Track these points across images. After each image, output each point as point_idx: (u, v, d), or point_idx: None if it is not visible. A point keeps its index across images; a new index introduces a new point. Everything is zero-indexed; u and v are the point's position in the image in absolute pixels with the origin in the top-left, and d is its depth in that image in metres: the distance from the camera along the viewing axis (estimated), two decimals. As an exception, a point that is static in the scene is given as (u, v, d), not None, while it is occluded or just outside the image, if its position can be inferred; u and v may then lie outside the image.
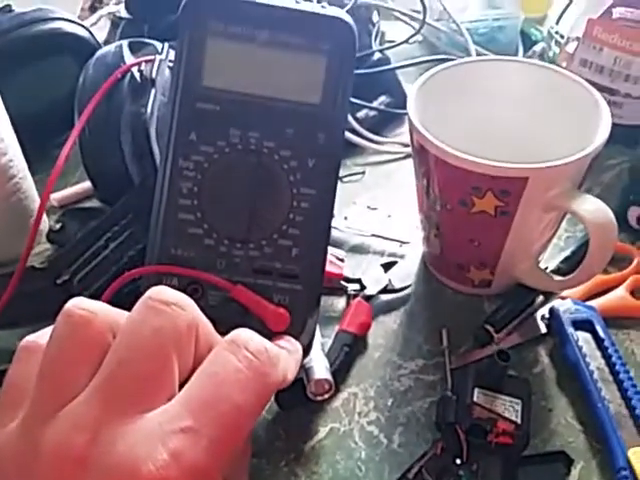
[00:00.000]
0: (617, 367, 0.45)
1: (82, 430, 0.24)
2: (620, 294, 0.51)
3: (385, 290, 0.53)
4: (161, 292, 0.27)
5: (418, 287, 0.54)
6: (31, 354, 0.27)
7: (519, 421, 0.40)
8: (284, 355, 0.30)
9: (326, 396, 0.43)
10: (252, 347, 0.27)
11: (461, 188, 0.45)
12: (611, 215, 0.42)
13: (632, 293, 0.52)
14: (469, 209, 0.46)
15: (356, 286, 0.53)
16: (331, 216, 0.36)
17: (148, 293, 0.27)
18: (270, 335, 0.31)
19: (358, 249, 0.57)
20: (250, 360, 0.26)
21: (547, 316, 0.50)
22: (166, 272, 0.33)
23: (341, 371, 0.47)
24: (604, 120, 0.46)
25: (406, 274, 0.55)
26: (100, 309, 0.27)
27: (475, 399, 0.41)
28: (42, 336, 0.28)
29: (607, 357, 0.46)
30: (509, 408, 0.41)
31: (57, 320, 0.27)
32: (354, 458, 0.42)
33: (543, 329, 0.49)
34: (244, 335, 0.27)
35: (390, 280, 0.53)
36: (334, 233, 0.58)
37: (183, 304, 0.27)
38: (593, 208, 0.43)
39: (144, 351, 0.25)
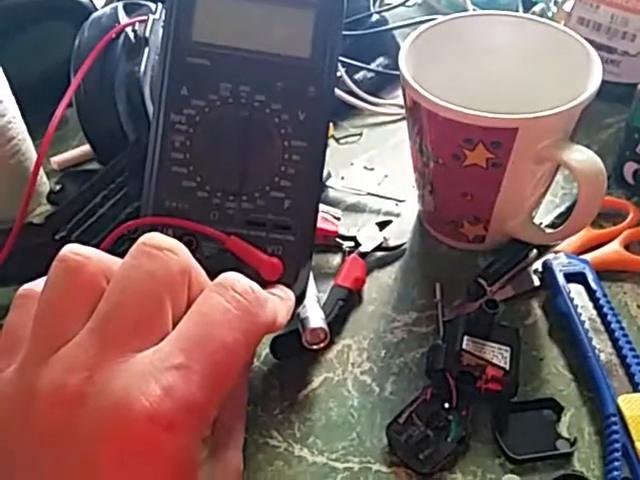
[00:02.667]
0: (609, 317, 0.45)
1: (77, 370, 0.24)
2: (614, 248, 0.51)
3: (380, 248, 0.53)
4: (154, 238, 0.27)
5: (413, 244, 0.54)
6: (27, 301, 0.28)
7: (508, 367, 0.41)
8: (274, 299, 0.31)
9: (321, 345, 0.44)
10: (239, 288, 0.27)
11: (452, 141, 0.45)
12: (601, 164, 0.42)
13: (626, 247, 0.52)
14: (461, 162, 0.46)
15: (351, 243, 0.53)
16: (322, 168, 0.36)
17: (141, 239, 0.27)
18: (264, 284, 0.31)
19: (354, 208, 0.58)
20: (237, 300, 0.27)
21: (540, 270, 0.50)
22: (161, 223, 0.34)
23: (336, 324, 0.47)
24: (595, 71, 0.46)
25: (401, 232, 0.55)
26: (94, 254, 0.27)
27: (464, 346, 0.41)
28: (38, 284, 0.28)
29: (599, 308, 0.46)
30: (498, 355, 0.41)
31: (52, 265, 0.27)
32: (347, 406, 0.43)
33: (536, 282, 0.50)
34: (231, 277, 0.28)
35: (385, 238, 0.54)
36: (330, 193, 0.59)
37: (176, 249, 0.27)
38: (583, 157, 0.43)
39: (138, 294, 0.26)
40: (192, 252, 0.28)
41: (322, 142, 0.36)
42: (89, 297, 0.26)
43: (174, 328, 0.26)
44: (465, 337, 0.42)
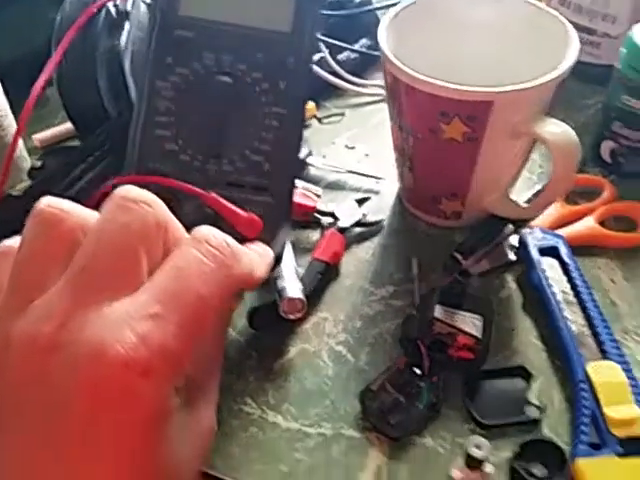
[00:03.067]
0: (580, 289, 0.46)
1: (51, 319, 0.25)
2: (588, 224, 0.52)
3: (358, 223, 0.54)
4: (130, 191, 0.28)
5: (392, 221, 0.55)
6: (5, 257, 0.28)
7: (479, 336, 0.41)
8: (251, 253, 0.31)
9: (298, 316, 0.44)
10: (214, 241, 0.28)
11: (430, 115, 0.46)
12: (575, 137, 0.43)
13: (601, 223, 0.53)
14: (438, 137, 0.46)
15: (330, 219, 0.54)
16: (301, 135, 0.38)
17: (117, 192, 0.27)
18: (242, 242, 0.32)
19: (334, 185, 0.58)
20: (212, 253, 0.28)
21: (515, 244, 0.51)
22: (142, 182, 0.35)
23: (313, 297, 0.48)
24: (572, 47, 0.46)
25: (380, 208, 0.56)
26: (71, 208, 0.28)
27: (436, 315, 0.42)
28: (16, 241, 0.29)
29: (571, 281, 0.47)
30: (470, 323, 0.42)
31: (28, 218, 0.28)
32: (321, 375, 0.44)
33: (511, 257, 0.50)
34: (206, 231, 0.29)
35: (364, 214, 0.54)
36: (311, 171, 0.59)
37: (151, 202, 0.28)
38: (556, 130, 0.43)
39: (113, 246, 0.26)
40: (172, 210, 0.29)
41: (301, 110, 0.38)
42: (66, 249, 0.27)
43: (150, 280, 0.27)
44: (438, 306, 0.42)
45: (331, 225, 0.53)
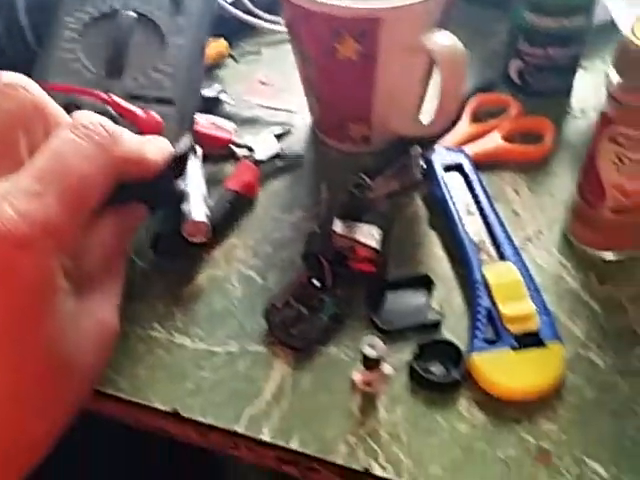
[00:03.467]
0: (481, 200, 0.47)
1: None
2: (494, 140, 0.53)
3: (275, 156, 0.54)
4: (7, 76, 0.29)
5: (305, 153, 0.55)
6: None
7: (378, 247, 0.42)
8: (139, 138, 0.33)
9: (202, 239, 0.45)
10: (90, 125, 0.29)
11: (324, 36, 0.46)
12: (460, 47, 0.43)
13: (508, 140, 0.54)
14: (335, 57, 0.47)
15: (245, 152, 0.54)
16: (202, 57, 0.44)
17: None
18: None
19: (249, 121, 0.58)
20: (89, 135, 0.29)
21: (422, 164, 0.51)
22: (46, 88, 0.35)
23: (223, 225, 0.48)
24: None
25: (295, 141, 0.56)
26: None
27: (335, 229, 0.43)
28: None
29: (474, 194, 0.48)
30: (368, 236, 0.43)
31: None
32: (230, 297, 0.44)
33: (418, 176, 0.51)
34: (84, 116, 0.30)
35: (282, 148, 0.54)
36: (226, 108, 0.59)
37: (28, 85, 0.29)
38: (442, 41, 0.44)
39: None
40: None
41: (203, 36, 0.44)
42: None
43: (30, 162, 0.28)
44: (337, 220, 0.43)
45: (246, 157, 0.53)
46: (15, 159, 0.28)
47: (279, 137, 0.56)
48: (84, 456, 0.58)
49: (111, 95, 0.38)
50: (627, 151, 0.40)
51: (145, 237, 0.46)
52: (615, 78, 0.39)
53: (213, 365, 0.41)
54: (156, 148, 0.34)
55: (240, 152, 0.54)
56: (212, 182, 0.52)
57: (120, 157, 0.30)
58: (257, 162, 0.53)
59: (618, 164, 0.40)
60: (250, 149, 0.54)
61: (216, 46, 0.63)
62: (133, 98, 0.39)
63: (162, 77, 0.41)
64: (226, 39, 0.64)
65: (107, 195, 0.30)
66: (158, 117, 0.38)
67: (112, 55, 0.41)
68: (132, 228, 0.37)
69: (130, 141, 0.31)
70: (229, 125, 0.56)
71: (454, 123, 0.54)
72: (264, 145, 0.55)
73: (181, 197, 0.44)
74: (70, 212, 0.27)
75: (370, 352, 0.37)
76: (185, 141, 0.39)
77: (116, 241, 0.34)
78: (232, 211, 0.49)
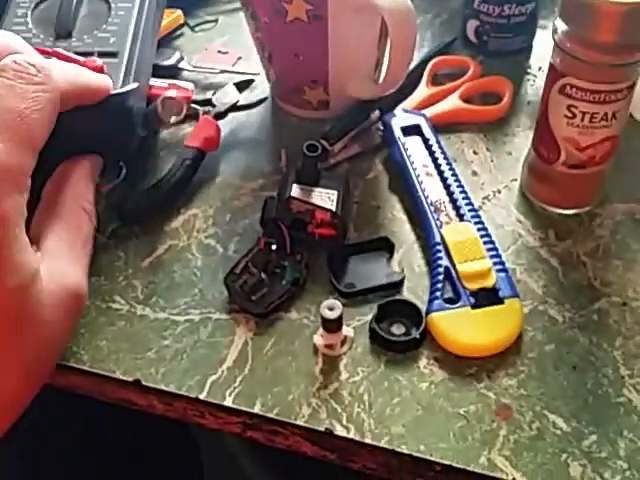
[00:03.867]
0: (440, 162, 0.47)
1: None
2: (452, 101, 0.53)
3: (235, 107, 0.53)
4: None
5: (264, 118, 0.55)
6: None
7: (336, 210, 0.42)
8: (71, 66, 0.36)
9: (177, 118, 0.45)
10: (17, 66, 0.30)
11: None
12: (408, 3, 0.43)
13: (468, 101, 0.54)
14: (284, 18, 0.46)
15: (207, 108, 0.53)
16: (154, 18, 0.47)
17: None
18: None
19: (209, 87, 0.57)
20: (18, 75, 0.30)
21: (381, 128, 0.51)
22: None
23: (182, 187, 0.47)
24: None
25: (255, 95, 0.56)
26: None
27: (293, 194, 0.42)
28: None
29: (432, 155, 0.48)
30: (325, 199, 0.43)
31: None
32: (190, 267, 0.44)
33: (377, 140, 0.51)
34: (8, 59, 0.30)
35: (241, 97, 0.54)
36: (184, 74, 0.58)
37: None
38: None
39: None
40: None
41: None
42: None
43: None
44: (294, 185, 0.43)
45: (207, 112, 0.53)
46: None
47: (239, 87, 0.55)
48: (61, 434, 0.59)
49: (55, 49, 0.40)
50: (578, 103, 0.40)
51: (105, 210, 0.46)
52: (561, 27, 0.39)
53: (174, 334, 0.40)
54: (99, 77, 0.37)
55: (201, 109, 0.53)
56: (172, 145, 0.51)
57: (57, 87, 0.31)
58: (218, 116, 0.52)
59: (569, 117, 0.41)
60: (210, 103, 0.53)
61: (173, 16, 0.62)
62: (79, 54, 0.41)
63: (107, 35, 0.43)
64: (183, 9, 0.63)
65: (51, 128, 0.31)
66: (99, 60, 0.40)
67: (61, 23, 0.44)
68: (88, 177, 0.37)
69: (65, 71, 0.33)
70: (188, 84, 0.55)
71: (413, 87, 0.54)
72: (224, 97, 0.54)
73: (139, 149, 0.45)
74: (19, 151, 0.28)
75: (329, 314, 0.37)
76: (132, 86, 0.41)
77: (73, 191, 0.35)
78: (192, 169, 0.48)
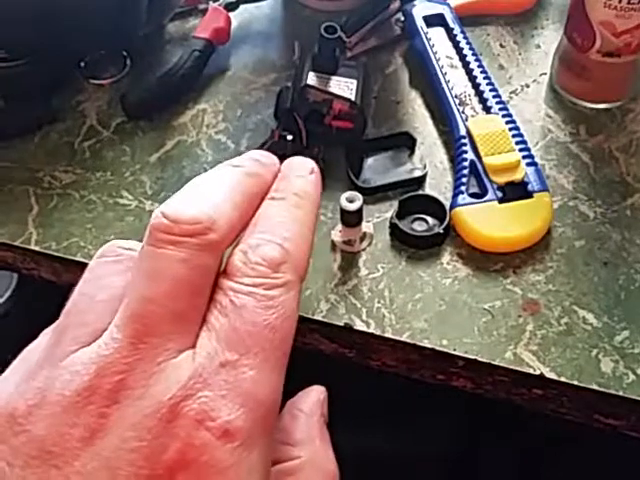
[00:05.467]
0: (466, 54, 0.44)
1: None
2: (478, -9, 0.49)
3: None
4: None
5: (275, 10, 0.52)
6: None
7: (354, 99, 0.40)
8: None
9: None
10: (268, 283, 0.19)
11: None
12: None
13: None
14: None
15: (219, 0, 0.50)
16: None
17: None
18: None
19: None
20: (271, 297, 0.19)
21: (402, 18, 0.48)
22: None
23: (190, 77, 0.44)
24: None
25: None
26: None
27: (309, 82, 0.40)
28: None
29: (457, 46, 0.45)
30: (344, 88, 0.40)
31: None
32: (200, 162, 0.42)
33: (397, 32, 0.48)
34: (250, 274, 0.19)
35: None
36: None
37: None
38: None
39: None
40: None
41: None
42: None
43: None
44: (311, 73, 0.40)
45: (215, 1, 0.49)
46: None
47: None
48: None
49: None
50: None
51: (109, 104, 0.43)
52: None
53: (186, 230, 0.39)
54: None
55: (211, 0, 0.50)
56: (178, 39, 0.48)
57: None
58: (228, 7, 0.49)
59: (608, -3, 0.38)
60: None
61: None
62: None
63: None
64: None
65: None
66: None
67: None
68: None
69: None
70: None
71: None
72: None
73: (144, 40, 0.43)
74: (277, 372, 0.19)
75: (349, 206, 0.35)
76: None
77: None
78: (201, 60, 0.45)
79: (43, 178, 0.41)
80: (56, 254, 0.38)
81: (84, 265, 0.37)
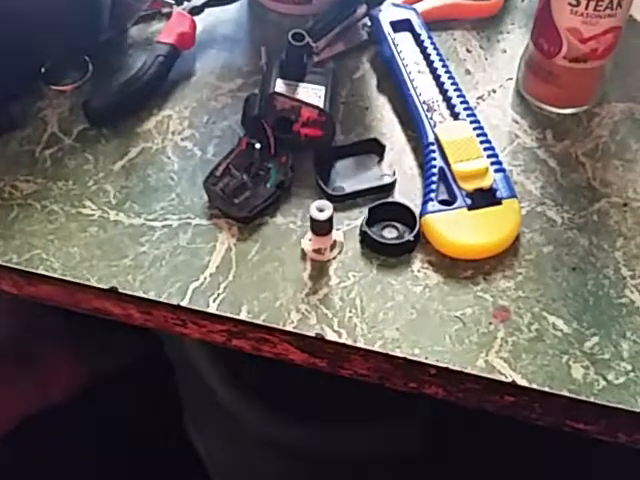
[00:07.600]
0: (433, 59, 0.44)
1: None
2: (444, -4, 0.49)
3: (211, 1, 0.49)
4: None
5: (241, 14, 0.51)
6: None
7: (322, 106, 0.39)
8: None
9: None
10: None
11: None
12: None
13: (458, -3, 0.50)
14: None
15: (183, 4, 0.49)
16: None
17: None
18: None
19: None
20: None
21: (368, 23, 0.48)
22: None
23: (154, 82, 0.43)
24: None
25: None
26: None
27: (277, 89, 0.39)
28: None
29: (424, 52, 0.45)
30: (312, 95, 0.39)
31: None
32: (166, 170, 0.41)
33: (364, 36, 0.48)
34: None
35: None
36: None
37: None
38: None
39: None
40: None
41: None
42: None
43: None
44: (278, 80, 0.40)
45: (179, 4, 0.48)
46: None
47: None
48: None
49: None
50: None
51: (70, 111, 0.42)
52: None
53: (152, 240, 0.38)
54: None
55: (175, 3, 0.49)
56: (141, 43, 0.47)
57: None
58: (192, 11, 0.48)
59: (573, 4, 0.38)
60: None
61: None
62: None
63: None
64: None
65: None
66: None
67: None
68: None
69: None
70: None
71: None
72: None
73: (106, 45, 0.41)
74: None
75: (319, 215, 0.35)
76: None
77: None
78: (165, 66, 0.44)
79: (3, 188, 0.40)
80: (17, 267, 0.37)
81: (48, 278, 0.36)
